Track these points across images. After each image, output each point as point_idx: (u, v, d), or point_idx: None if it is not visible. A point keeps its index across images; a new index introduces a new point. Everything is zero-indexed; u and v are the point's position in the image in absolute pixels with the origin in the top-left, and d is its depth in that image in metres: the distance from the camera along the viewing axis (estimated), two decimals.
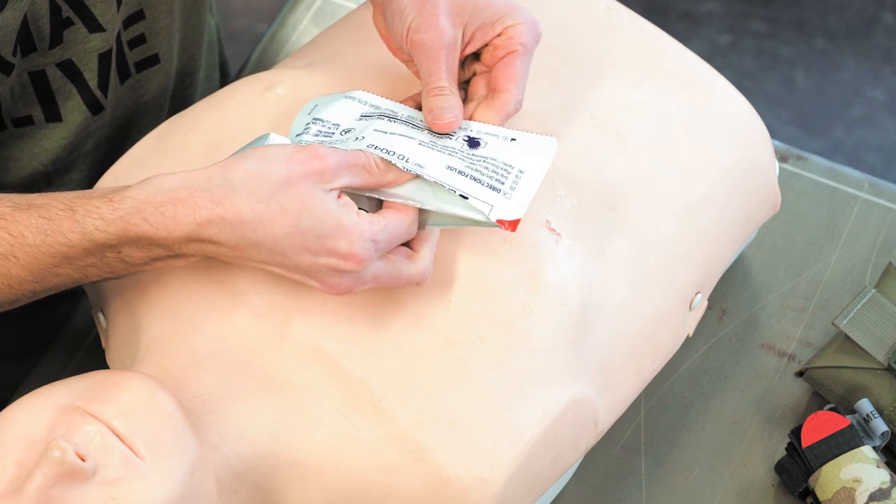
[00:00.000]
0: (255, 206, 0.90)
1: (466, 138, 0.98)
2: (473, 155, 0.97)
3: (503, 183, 0.95)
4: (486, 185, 0.95)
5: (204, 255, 0.93)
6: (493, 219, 0.94)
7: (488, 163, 0.97)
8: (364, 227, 0.91)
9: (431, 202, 0.94)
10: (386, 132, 0.97)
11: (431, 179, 0.94)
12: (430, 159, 0.96)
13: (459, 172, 0.95)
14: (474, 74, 1.03)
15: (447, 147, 0.97)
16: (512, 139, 0.98)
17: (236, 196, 0.90)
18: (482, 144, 0.98)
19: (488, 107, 1.00)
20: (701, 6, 2.45)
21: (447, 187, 0.94)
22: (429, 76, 0.98)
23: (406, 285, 0.95)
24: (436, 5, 0.98)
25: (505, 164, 0.97)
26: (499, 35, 1.01)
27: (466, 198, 0.94)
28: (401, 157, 0.95)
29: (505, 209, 0.94)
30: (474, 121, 0.99)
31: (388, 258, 0.94)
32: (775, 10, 2.45)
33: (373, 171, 0.94)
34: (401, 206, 0.94)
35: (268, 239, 0.91)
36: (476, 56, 1.03)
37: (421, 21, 0.98)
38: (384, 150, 0.95)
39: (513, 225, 0.94)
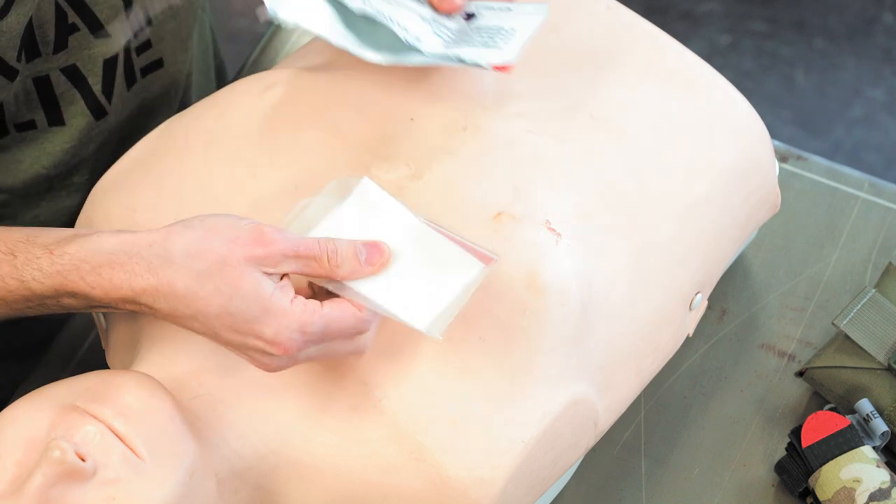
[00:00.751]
0: (189, 284, 0.90)
1: (465, 14, 1.02)
2: (469, 27, 1.01)
3: (495, 41, 1.00)
4: (478, 45, 0.99)
5: (142, 312, 0.94)
6: (489, 65, 0.98)
7: (482, 31, 1.01)
8: (294, 317, 0.90)
9: (383, 305, 0.92)
10: (391, 2, 0.99)
11: (429, 55, 0.98)
12: (427, 34, 0.99)
13: (454, 43, 0.99)
14: None
15: (445, 25, 1.01)
16: (507, 9, 1.02)
17: (172, 269, 0.90)
18: (478, 17, 1.02)
19: None
20: (701, 6, 2.45)
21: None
22: None
23: (353, 334, 0.93)
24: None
25: (498, 27, 1.01)
26: None
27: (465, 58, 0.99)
28: (403, 28, 0.97)
29: (497, 57, 0.98)
30: None
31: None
32: (775, 10, 2.45)
33: (323, 264, 0.91)
34: (348, 306, 0.92)
35: (200, 315, 0.91)
36: None
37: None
38: (388, 18, 0.97)
39: (505, 68, 0.98)
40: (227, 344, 0.92)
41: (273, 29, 1.43)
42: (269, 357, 0.91)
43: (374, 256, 0.92)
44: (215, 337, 0.92)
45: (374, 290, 0.92)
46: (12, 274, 0.94)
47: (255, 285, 0.89)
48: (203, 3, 1.29)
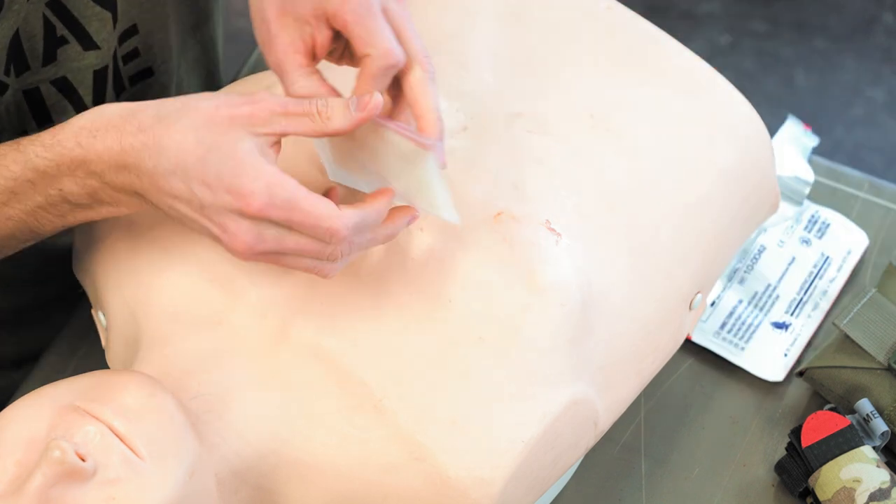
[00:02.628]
0: (173, 135, 0.90)
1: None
2: None
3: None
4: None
5: (134, 192, 0.93)
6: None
7: None
8: (265, 174, 0.89)
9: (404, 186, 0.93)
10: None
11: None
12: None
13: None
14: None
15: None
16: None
17: (160, 125, 0.91)
18: None
19: (358, 80, 0.95)
20: (701, 6, 2.45)
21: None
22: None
23: (317, 253, 0.91)
24: (266, 22, 0.96)
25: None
26: (331, 18, 0.96)
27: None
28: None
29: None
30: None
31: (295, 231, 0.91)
32: (775, 10, 2.45)
33: (314, 119, 0.91)
34: (329, 203, 0.90)
35: (179, 168, 0.90)
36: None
37: (262, 43, 0.97)
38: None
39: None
40: (201, 207, 0.91)
41: None
42: (236, 221, 0.90)
43: (365, 103, 0.92)
44: (190, 197, 0.91)
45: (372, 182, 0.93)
46: (16, 159, 0.95)
47: (233, 141, 0.90)
48: (212, 16, 1.29)
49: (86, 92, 1.13)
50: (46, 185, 0.95)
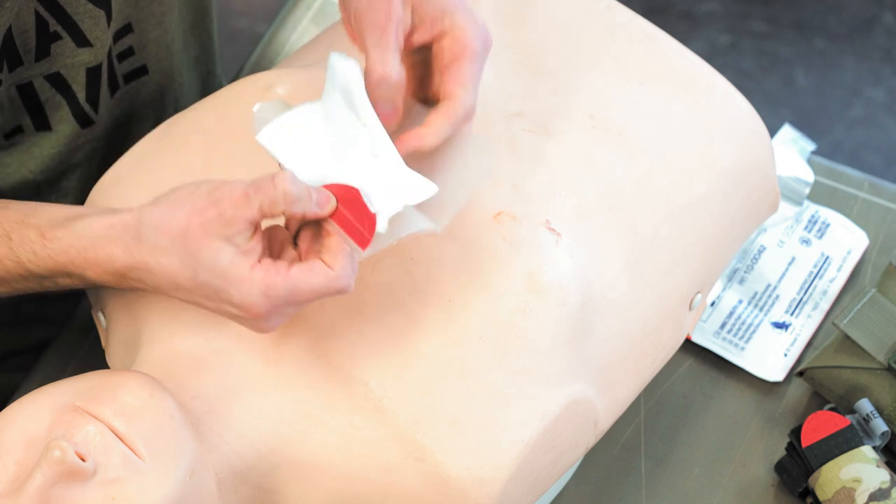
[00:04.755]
0: (158, 260, 0.92)
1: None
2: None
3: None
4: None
5: (140, 289, 0.96)
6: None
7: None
8: (255, 283, 0.90)
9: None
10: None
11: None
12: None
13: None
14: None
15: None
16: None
17: (143, 248, 0.93)
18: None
19: (438, 112, 0.96)
20: (701, 6, 2.45)
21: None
22: (373, 52, 0.95)
23: (328, 293, 0.92)
24: None
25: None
26: (444, 35, 0.97)
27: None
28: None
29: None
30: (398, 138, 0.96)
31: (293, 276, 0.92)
32: (775, 10, 2.45)
33: (278, 201, 0.90)
34: (320, 266, 0.91)
35: (180, 288, 0.93)
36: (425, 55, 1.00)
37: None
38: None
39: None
40: (216, 311, 0.93)
41: (273, 29, 1.43)
42: (248, 322, 0.93)
43: (324, 201, 0.92)
44: (202, 305, 0.93)
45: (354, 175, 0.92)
46: (9, 256, 0.97)
47: (212, 256, 0.90)
48: (208, 13, 1.29)
49: (79, 89, 1.13)
50: (40, 279, 0.98)
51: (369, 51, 0.95)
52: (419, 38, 0.97)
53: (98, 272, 0.95)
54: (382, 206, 0.92)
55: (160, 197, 0.94)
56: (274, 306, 0.91)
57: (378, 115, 0.94)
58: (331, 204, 0.92)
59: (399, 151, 0.94)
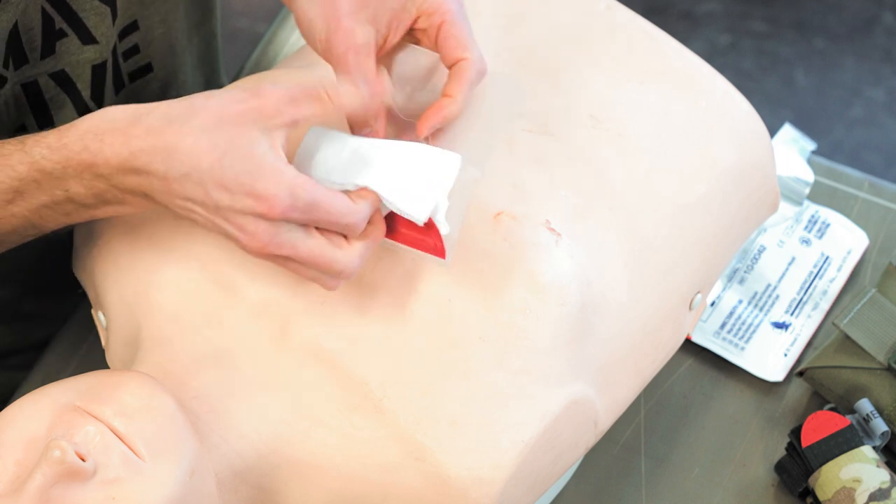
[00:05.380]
0: (185, 138, 0.89)
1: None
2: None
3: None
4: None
5: (143, 194, 0.93)
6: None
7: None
8: (287, 176, 0.89)
9: (386, 195, 0.92)
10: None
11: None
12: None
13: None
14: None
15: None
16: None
17: (171, 127, 0.90)
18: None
19: (452, 81, 0.97)
20: (701, 6, 2.45)
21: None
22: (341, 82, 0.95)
23: (325, 269, 0.92)
24: (336, 7, 0.96)
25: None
26: (417, 18, 0.98)
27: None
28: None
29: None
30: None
31: (312, 231, 0.91)
32: (775, 10, 2.45)
33: (323, 100, 0.91)
34: (344, 197, 0.91)
35: (194, 171, 0.90)
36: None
37: (326, 27, 0.96)
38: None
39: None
40: (217, 209, 0.91)
41: (273, 29, 1.43)
42: (254, 222, 0.90)
43: (375, 85, 0.92)
44: (205, 200, 0.90)
45: (372, 179, 0.92)
46: (22, 159, 0.94)
47: (249, 143, 0.89)
48: (212, 12, 1.29)
49: (84, 86, 1.13)
50: (52, 186, 0.94)
51: (340, 83, 0.94)
52: (393, 40, 0.99)
53: (107, 157, 0.91)
54: (424, 205, 0.92)
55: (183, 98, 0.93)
56: (292, 208, 0.89)
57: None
58: (381, 90, 0.92)
59: (422, 131, 0.96)
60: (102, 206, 0.95)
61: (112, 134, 0.91)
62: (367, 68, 0.96)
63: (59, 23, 1.08)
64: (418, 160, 0.94)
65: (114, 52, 1.14)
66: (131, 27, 1.15)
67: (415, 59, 1.02)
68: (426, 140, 0.98)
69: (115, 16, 1.11)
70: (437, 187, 0.93)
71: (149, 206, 0.95)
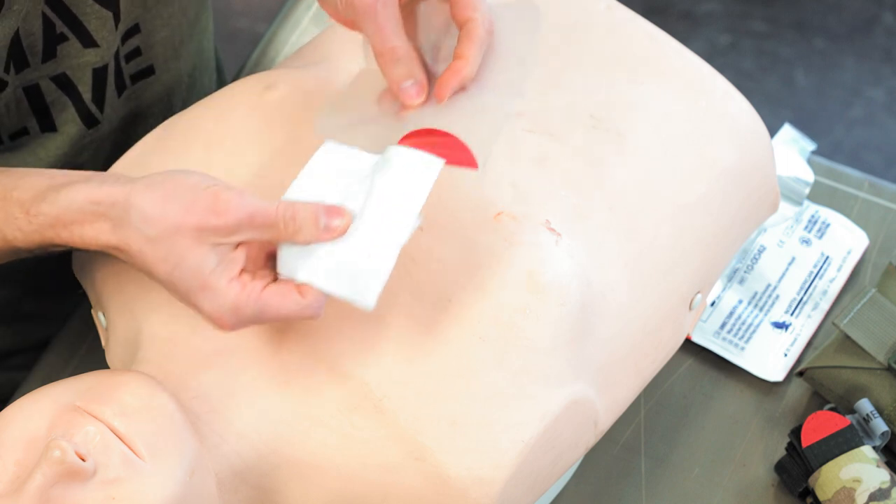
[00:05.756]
0: (141, 247, 0.92)
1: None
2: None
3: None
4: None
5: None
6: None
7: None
8: (228, 297, 0.91)
9: (326, 288, 0.92)
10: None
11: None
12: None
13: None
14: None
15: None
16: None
17: (129, 230, 0.93)
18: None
19: (462, 41, 0.98)
20: (701, 6, 2.45)
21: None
22: (374, 36, 0.96)
23: (297, 319, 0.93)
24: None
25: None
26: None
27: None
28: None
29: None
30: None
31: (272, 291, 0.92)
32: (775, 10, 2.45)
33: (280, 231, 0.92)
34: (293, 293, 0.92)
35: (155, 276, 0.93)
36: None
37: None
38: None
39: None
40: (178, 301, 0.94)
41: (273, 29, 1.43)
42: (213, 325, 0.93)
43: (335, 221, 0.93)
44: (170, 293, 0.94)
45: (314, 274, 0.92)
46: None
47: (198, 260, 0.91)
48: (207, 7, 1.29)
49: (85, 89, 1.13)
50: (31, 252, 0.99)
51: (370, 38, 0.96)
52: None
53: (83, 243, 0.95)
54: (369, 293, 0.92)
55: (153, 178, 0.94)
56: (240, 321, 0.92)
57: (405, 97, 0.96)
58: (341, 228, 0.92)
59: (444, 95, 0.97)
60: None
61: (80, 226, 0.95)
62: (395, 17, 0.96)
63: (60, 27, 1.08)
64: (368, 231, 0.93)
65: (116, 54, 1.14)
66: (133, 30, 1.15)
67: (433, 7, 1.02)
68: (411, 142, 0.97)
69: (117, 20, 1.11)
70: (382, 270, 0.92)
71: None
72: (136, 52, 1.17)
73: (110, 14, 1.10)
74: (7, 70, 1.07)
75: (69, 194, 0.95)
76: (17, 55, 1.07)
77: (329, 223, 0.92)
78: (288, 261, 0.93)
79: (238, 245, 0.92)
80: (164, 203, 0.92)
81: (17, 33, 1.05)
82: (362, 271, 0.92)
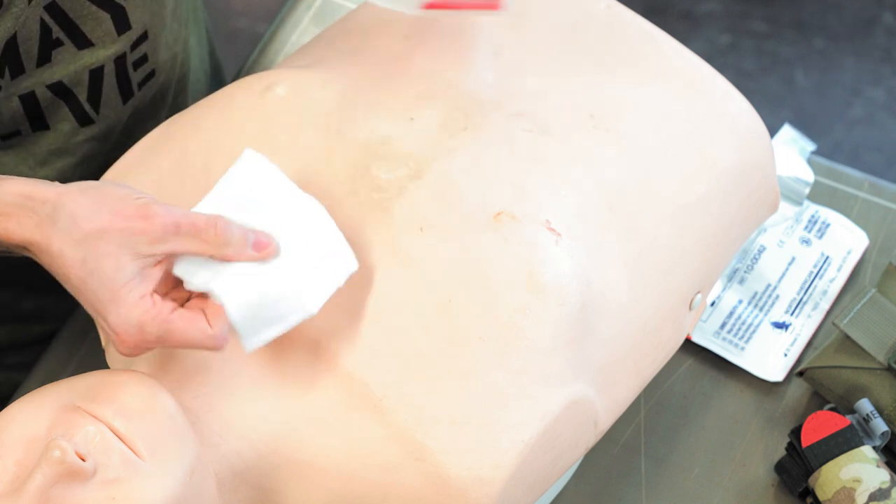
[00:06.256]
0: (62, 248, 0.91)
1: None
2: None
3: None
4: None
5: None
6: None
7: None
8: (135, 314, 0.90)
9: (231, 313, 0.91)
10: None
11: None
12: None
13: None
14: None
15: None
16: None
17: (53, 230, 0.92)
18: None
19: None
20: (701, 6, 2.45)
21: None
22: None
23: (199, 348, 0.93)
24: None
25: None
26: None
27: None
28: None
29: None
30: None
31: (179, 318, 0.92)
32: (775, 10, 2.45)
33: (208, 238, 0.91)
34: (201, 321, 0.92)
35: (66, 281, 0.93)
36: None
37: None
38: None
39: None
40: (90, 312, 0.93)
41: (273, 29, 1.43)
42: (115, 341, 0.92)
43: (262, 245, 0.93)
44: (82, 302, 0.93)
45: (219, 286, 0.92)
46: None
47: (114, 269, 0.90)
48: (200, 7, 1.29)
49: (81, 91, 1.13)
50: None
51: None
52: None
53: (6, 237, 0.94)
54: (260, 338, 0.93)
55: (86, 184, 0.93)
56: (144, 340, 0.91)
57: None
58: (268, 250, 0.92)
59: None
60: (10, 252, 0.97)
61: (7, 218, 0.93)
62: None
63: (56, 32, 1.08)
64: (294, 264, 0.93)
65: (122, 61, 1.14)
66: (142, 38, 1.15)
67: None
68: None
69: (119, 24, 1.11)
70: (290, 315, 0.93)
71: None
72: (144, 59, 1.17)
73: (107, 15, 1.10)
74: (2, 75, 1.07)
75: (3, 187, 0.94)
76: (13, 60, 1.07)
77: (257, 245, 0.92)
78: (188, 267, 0.92)
79: (158, 263, 0.92)
80: (95, 206, 0.91)
81: (13, 38, 1.05)
82: (286, 302, 0.92)
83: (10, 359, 1.30)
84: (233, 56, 1.54)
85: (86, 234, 0.91)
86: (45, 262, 0.93)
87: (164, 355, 1.00)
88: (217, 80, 1.42)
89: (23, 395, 0.99)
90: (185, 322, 0.91)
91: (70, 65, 1.11)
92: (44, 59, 1.09)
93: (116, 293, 0.90)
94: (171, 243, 0.91)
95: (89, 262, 0.90)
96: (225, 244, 0.92)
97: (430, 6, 0.98)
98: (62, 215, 0.91)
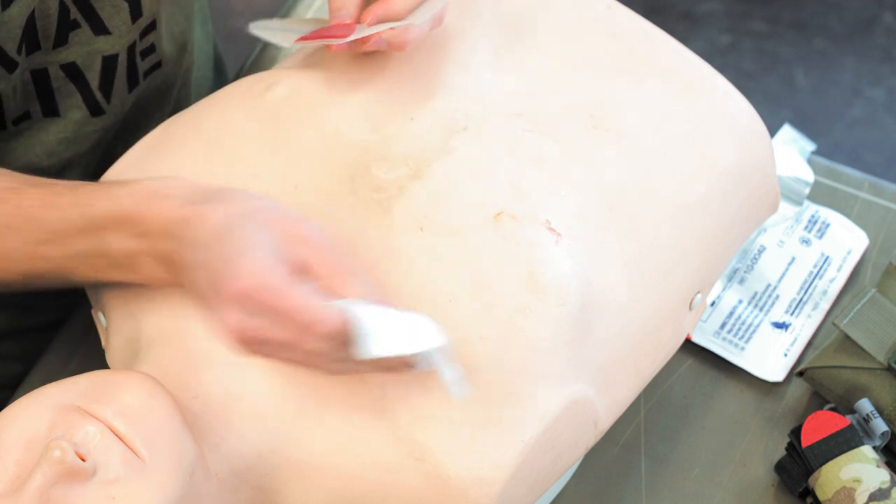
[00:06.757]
0: (223, 216, 0.92)
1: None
2: None
3: None
4: None
5: (164, 265, 0.95)
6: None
7: None
8: (267, 265, 0.89)
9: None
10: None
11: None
12: None
13: None
14: None
15: None
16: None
17: (214, 204, 0.93)
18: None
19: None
20: (701, 6, 2.45)
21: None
22: None
23: (294, 326, 0.91)
24: None
25: None
26: None
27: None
28: None
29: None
30: None
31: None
32: (775, 10, 2.45)
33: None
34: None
35: (194, 243, 0.92)
36: None
37: None
38: None
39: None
40: (206, 305, 0.93)
41: None
42: (224, 308, 0.91)
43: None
44: (203, 293, 0.93)
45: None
46: (73, 202, 0.97)
47: (267, 252, 0.90)
48: (205, 5, 1.30)
49: (93, 77, 1.14)
50: (93, 235, 0.96)
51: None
52: None
53: (156, 216, 0.94)
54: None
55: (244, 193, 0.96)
56: (266, 287, 0.89)
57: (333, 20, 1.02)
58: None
59: (364, 19, 1.02)
60: (129, 270, 0.97)
61: (148, 202, 0.94)
62: None
63: (75, 13, 1.09)
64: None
65: (132, 50, 1.15)
66: (150, 27, 1.15)
67: None
68: None
69: (134, 12, 1.12)
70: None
71: (166, 284, 0.97)
72: (151, 49, 1.17)
73: (125, 4, 1.11)
74: (19, 51, 1.08)
75: (144, 182, 0.97)
76: (31, 37, 1.08)
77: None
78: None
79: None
80: (268, 202, 0.94)
81: (32, 15, 1.06)
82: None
83: (3, 347, 1.30)
84: (233, 56, 1.54)
85: (247, 211, 0.91)
86: (189, 236, 0.92)
87: (164, 355, 1.00)
88: (220, 77, 1.42)
89: (23, 394, 0.99)
90: (302, 293, 0.90)
91: (85, 46, 1.11)
92: (60, 40, 1.10)
93: (254, 249, 0.90)
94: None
95: (236, 229, 0.90)
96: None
97: (301, 39, 1.04)
98: (238, 193, 0.94)
